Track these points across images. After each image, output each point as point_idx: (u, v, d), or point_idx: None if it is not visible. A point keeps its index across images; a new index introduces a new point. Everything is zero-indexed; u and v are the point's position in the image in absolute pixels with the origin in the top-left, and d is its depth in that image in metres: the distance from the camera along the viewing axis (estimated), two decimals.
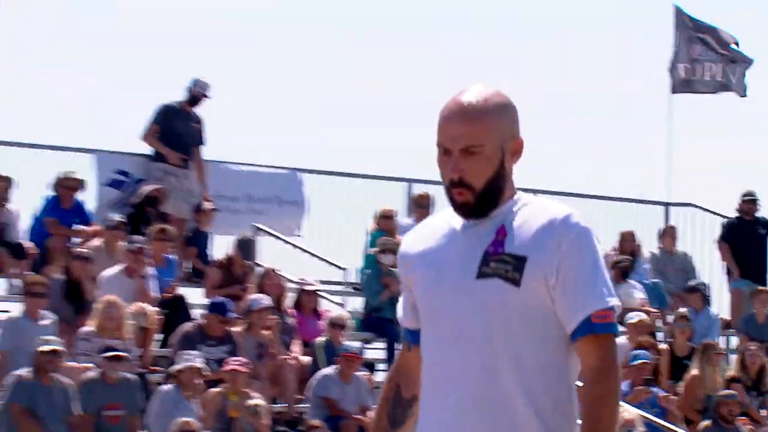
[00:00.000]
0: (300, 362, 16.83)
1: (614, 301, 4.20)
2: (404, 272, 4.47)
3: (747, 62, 22.57)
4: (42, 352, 14.17)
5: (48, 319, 15.42)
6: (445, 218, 4.40)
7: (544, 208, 4.28)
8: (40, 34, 48.19)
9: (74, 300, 16.26)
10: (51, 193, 18.04)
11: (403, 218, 19.92)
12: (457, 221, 4.32)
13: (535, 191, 21.19)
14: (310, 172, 20.48)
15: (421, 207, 20.03)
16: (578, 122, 44.90)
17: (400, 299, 4.58)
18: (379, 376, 17.85)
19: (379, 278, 18.43)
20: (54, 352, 14.09)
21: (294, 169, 20.46)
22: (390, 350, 18.38)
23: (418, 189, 20.59)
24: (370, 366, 17.76)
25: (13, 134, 19.13)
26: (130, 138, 19.36)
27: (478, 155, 4.24)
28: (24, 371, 14.26)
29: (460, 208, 4.27)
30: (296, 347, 17.08)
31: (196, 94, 19.29)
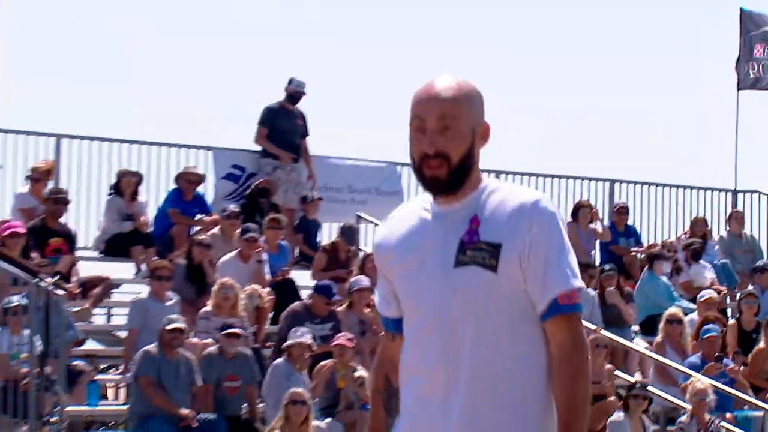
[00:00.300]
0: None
1: (578, 283, 4.19)
2: (383, 263, 4.36)
3: None
4: (167, 329, 14.28)
5: (172, 299, 15.61)
6: (414, 209, 4.30)
7: (512, 193, 4.18)
8: (167, 44, 48.38)
9: (195, 282, 16.43)
10: (174, 186, 18.28)
11: None
12: (427, 211, 4.23)
13: (622, 181, 21.39)
14: (406, 165, 20.50)
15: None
16: (656, 120, 44.48)
17: (377, 290, 4.49)
18: None
19: None
20: (178, 329, 14.19)
21: (392, 162, 20.51)
22: None
23: (504, 179, 20.53)
24: None
25: (143, 134, 19.31)
26: (244, 135, 19.54)
27: (453, 130, 4.13)
28: (151, 347, 14.38)
29: (431, 182, 4.15)
30: None
31: (293, 92, 19.42)
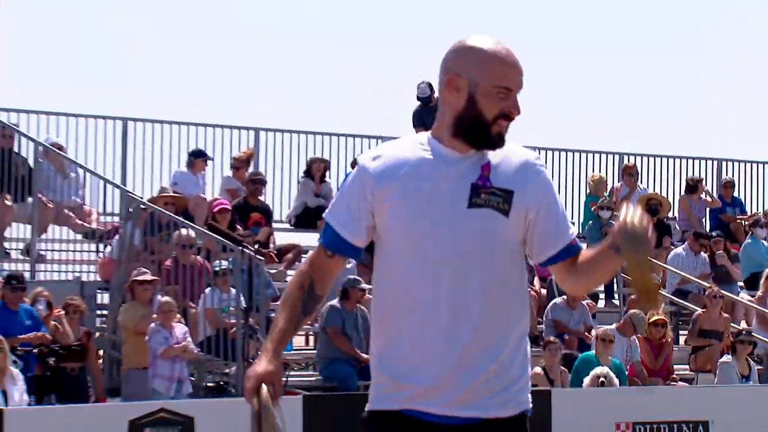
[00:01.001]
0: (539, 294, 16.78)
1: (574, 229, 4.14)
2: (379, 196, 3.89)
3: None
4: (348, 286, 14.37)
5: (351, 263, 15.58)
6: (413, 150, 3.97)
7: (513, 149, 3.99)
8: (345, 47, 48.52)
9: (371, 249, 16.38)
10: (349, 169, 18.32)
11: (613, 182, 19.75)
12: (430, 153, 3.94)
13: (728, 160, 21.06)
14: (544, 148, 20.36)
15: (629, 175, 19.85)
16: (756, 116, 44.04)
17: (342, 213, 3.98)
18: (601, 303, 17.73)
19: (599, 228, 18.28)
20: (358, 285, 14.34)
21: (533, 147, 20.34)
22: (608, 284, 18.26)
23: (626, 160, 20.32)
24: (593, 296, 17.60)
25: (329, 126, 19.44)
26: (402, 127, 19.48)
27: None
28: (334, 301, 14.42)
29: (496, 138, 3.91)
30: (536, 283, 17.04)
31: (419, 97, 19.26)
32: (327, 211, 4.05)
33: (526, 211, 3.93)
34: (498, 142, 3.91)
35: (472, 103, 3.87)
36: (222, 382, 14.39)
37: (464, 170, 3.90)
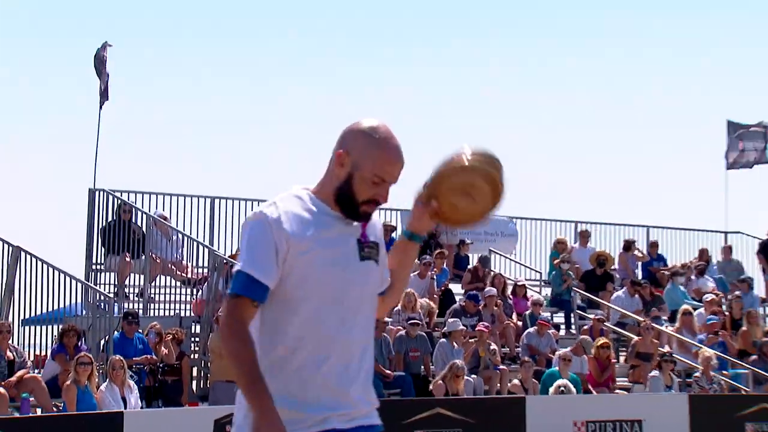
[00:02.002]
0: (516, 325, 16.75)
1: None
2: (294, 249, 3.39)
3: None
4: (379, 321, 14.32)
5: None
6: (310, 210, 3.48)
7: None
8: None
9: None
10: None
11: (571, 244, 19.72)
12: (324, 214, 3.48)
13: (655, 227, 21.02)
14: (520, 218, 20.34)
15: (583, 237, 19.84)
16: (677, 189, 43.73)
17: (263, 263, 3.39)
18: (562, 332, 17.70)
19: (560, 277, 18.28)
20: (381, 321, 14.25)
21: (510, 216, 20.30)
22: (567, 317, 18.23)
23: (581, 227, 20.30)
24: (556, 326, 17.57)
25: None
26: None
27: None
28: None
29: (363, 216, 3.52)
30: (514, 317, 17.01)
31: None
32: (243, 264, 3.39)
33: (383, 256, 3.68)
34: (364, 219, 3.55)
35: (349, 182, 3.46)
36: None
37: (353, 228, 3.54)
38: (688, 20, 47.49)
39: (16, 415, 11.74)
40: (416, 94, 48.39)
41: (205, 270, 15.59)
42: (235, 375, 3.40)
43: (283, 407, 3.40)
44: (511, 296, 17.32)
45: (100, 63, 16.47)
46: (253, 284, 3.37)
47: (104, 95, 16.56)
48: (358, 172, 3.44)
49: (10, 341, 12.65)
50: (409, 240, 3.80)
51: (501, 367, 14.94)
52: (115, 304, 14.52)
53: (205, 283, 15.13)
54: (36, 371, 12.96)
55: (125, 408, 11.90)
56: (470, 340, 14.93)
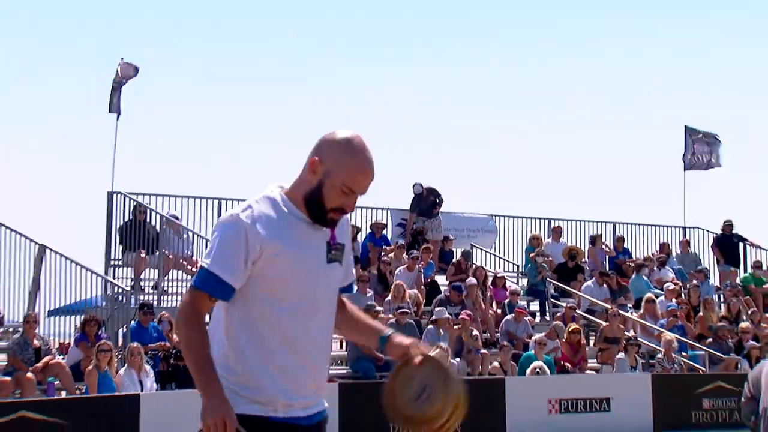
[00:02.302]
0: (495, 313, 16.78)
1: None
2: (266, 251, 3.26)
3: (718, 143, 22.08)
4: (368, 309, 14.30)
5: (370, 293, 15.56)
6: (282, 214, 3.33)
7: None
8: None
9: (383, 283, 16.41)
10: (370, 231, 18.29)
11: (545, 239, 19.76)
12: (296, 217, 3.34)
13: (621, 223, 21.04)
14: (498, 215, 20.37)
15: (556, 233, 19.88)
16: (640, 187, 43.72)
17: (231, 263, 3.25)
18: (537, 319, 17.74)
19: (536, 269, 18.33)
20: (374, 310, 14.28)
21: (490, 214, 20.33)
22: (542, 305, 18.27)
23: (554, 223, 20.32)
24: (532, 314, 17.61)
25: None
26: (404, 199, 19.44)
27: None
28: None
29: (330, 222, 3.38)
30: (493, 305, 17.05)
31: (416, 193, 18.73)
32: (210, 262, 3.26)
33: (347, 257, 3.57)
34: (330, 226, 3.41)
35: (320, 189, 3.31)
36: None
37: (322, 231, 3.41)
38: (653, 29, 47.66)
39: (44, 397, 11.75)
40: (415, 93, 48.06)
41: None
42: (186, 361, 3.34)
43: (249, 396, 3.34)
44: (491, 287, 17.34)
45: (118, 83, 16.53)
46: (215, 282, 3.26)
47: (117, 110, 16.62)
48: (329, 180, 3.30)
49: (36, 330, 12.65)
50: (377, 345, 3.66)
51: (482, 351, 14.96)
52: (132, 296, 14.54)
53: None
54: (61, 357, 12.95)
55: (142, 390, 11.91)
56: (454, 327, 14.93)
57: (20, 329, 12.74)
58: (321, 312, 3.45)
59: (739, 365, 16.44)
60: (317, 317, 3.43)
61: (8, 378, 11.88)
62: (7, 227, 14.48)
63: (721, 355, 16.63)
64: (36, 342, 12.45)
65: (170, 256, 15.44)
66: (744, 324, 17.60)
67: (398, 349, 3.57)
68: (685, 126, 22.27)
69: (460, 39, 48.95)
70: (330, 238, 3.43)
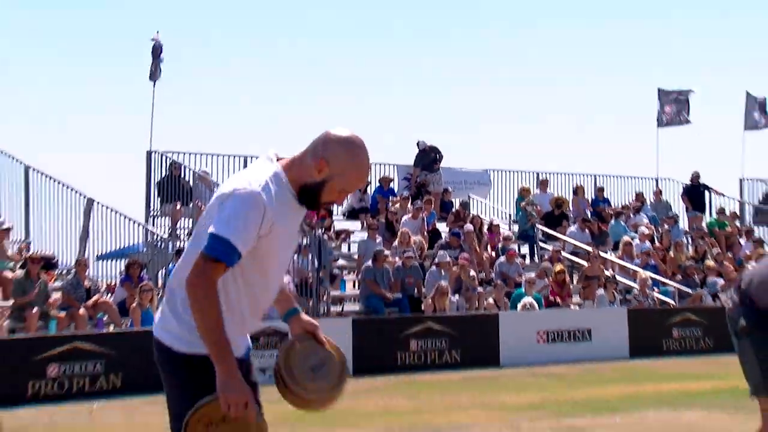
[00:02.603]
0: (490, 255, 16.85)
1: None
2: (267, 223, 3.09)
3: (688, 101, 21.96)
4: (378, 253, 14.33)
5: (379, 239, 15.64)
6: (286, 194, 3.16)
7: None
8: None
9: (390, 230, 16.45)
10: (378, 184, 18.31)
11: (534, 191, 19.78)
12: (293, 202, 3.18)
13: (602, 175, 21.04)
14: (493, 170, 20.37)
15: (543, 185, 19.83)
16: (619, 147, 43.70)
17: (246, 233, 3.05)
18: (527, 261, 17.82)
19: (525, 217, 18.40)
20: (383, 253, 14.33)
21: (485, 169, 20.33)
22: (531, 249, 18.33)
23: (541, 176, 20.32)
24: (522, 256, 17.68)
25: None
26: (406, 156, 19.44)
27: None
28: (369, 263, 14.32)
29: (321, 208, 3.33)
30: (488, 249, 17.11)
31: (421, 148, 18.72)
32: (231, 235, 3.02)
33: None
34: (318, 211, 3.34)
35: (320, 186, 3.16)
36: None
37: (302, 209, 3.26)
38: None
39: (94, 330, 11.93)
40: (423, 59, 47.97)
41: None
42: (199, 331, 3.04)
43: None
44: (486, 232, 17.42)
45: (155, 50, 16.51)
46: (233, 253, 3.02)
47: (156, 76, 16.60)
48: (331, 183, 3.16)
49: (87, 273, 12.83)
50: (283, 315, 3.51)
51: (479, 289, 15.06)
52: (169, 242, 14.66)
53: None
54: (108, 296, 13.11)
55: None
56: (454, 268, 15.03)
57: (73, 271, 12.91)
58: (281, 273, 3.37)
59: (704, 299, 16.59)
60: (277, 278, 3.34)
61: (63, 313, 12.06)
62: (59, 182, 14.62)
63: (689, 290, 16.76)
64: (86, 283, 12.62)
65: (202, 208, 15.50)
66: (709, 263, 17.74)
67: (303, 325, 3.43)
68: (658, 89, 22.22)
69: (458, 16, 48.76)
70: (308, 215, 3.37)
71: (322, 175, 3.15)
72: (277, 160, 3.23)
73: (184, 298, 3.09)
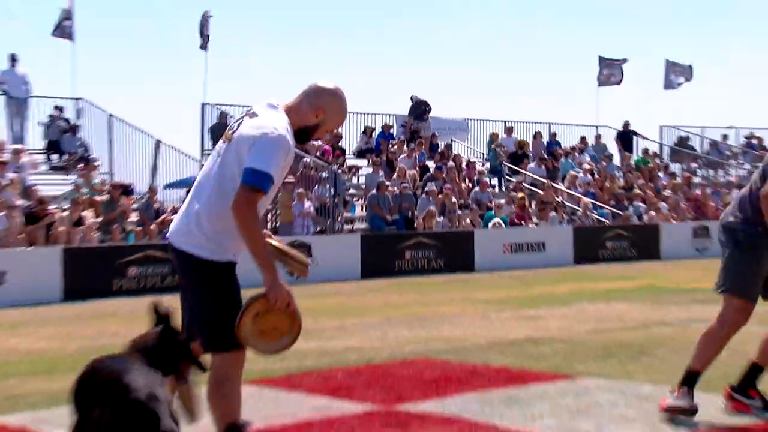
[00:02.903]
0: (468, 186, 16.73)
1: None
2: (288, 160, 2.96)
3: (621, 67, 21.58)
4: (380, 184, 14.15)
5: (381, 173, 15.37)
6: (292, 136, 2.97)
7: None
8: None
9: (390, 167, 16.13)
10: (380, 130, 18.00)
11: (502, 135, 19.55)
12: (292, 139, 2.97)
13: (554, 123, 20.79)
14: (470, 119, 20.17)
15: (509, 131, 19.57)
16: (569, 100, 43.20)
17: (277, 167, 2.89)
18: (496, 190, 17.70)
19: (495, 156, 18.29)
20: (385, 184, 14.10)
21: (465, 118, 20.12)
22: (500, 181, 18.01)
23: (508, 124, 20.01)
24: (493, 186, 17.54)
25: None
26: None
27: None
28: (374, 191, 14.05)
29: (309, 139, 3.16)
30: (466, 180, 17.00)
31: (415, 100, 18.14)
32: (270, 168, 2.86)
33: None
34: (306, 142, 3.24)
35: (314, 128, 3.04)
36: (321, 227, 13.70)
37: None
38: None
39: (162, 241, 11.98)
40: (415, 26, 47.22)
41: None
42: (250, 249, 2.86)
43: (225, 246, 2.95)
44: (465, 168, 17.36)
45: (202, 26, 16.31)
46: (269, 183, 2.86)
47: (205, 47, 16.45)
48: (323, 126, 3.06)
49: (156, 197, 12.88)
50: None
51: (458, 212, 15.06)
52: None
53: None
54: (172, 215, 13.11)
55: None
56: (439, 196, 14.98)
57: (146, 196, 12.94)
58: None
59: (630, 219, 16.67)
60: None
61: (139, 228, 12.15)
62: (134, 127, 14.59)
63: (620, 212, 16.78)
64: (156, 205, 12.68)
65: None
66: (636, 191, 17.73)
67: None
68: (599, 56, 21.90)
69: None
70: (326, 153, 3.27)
71: (316, 120, 3.03)
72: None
73: (209, 215, 2.92)
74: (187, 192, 3.48)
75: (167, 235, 3.10)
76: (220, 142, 3.05)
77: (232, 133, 2.99)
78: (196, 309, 2.95)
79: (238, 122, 3.03)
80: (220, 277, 2.96)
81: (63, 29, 15.32)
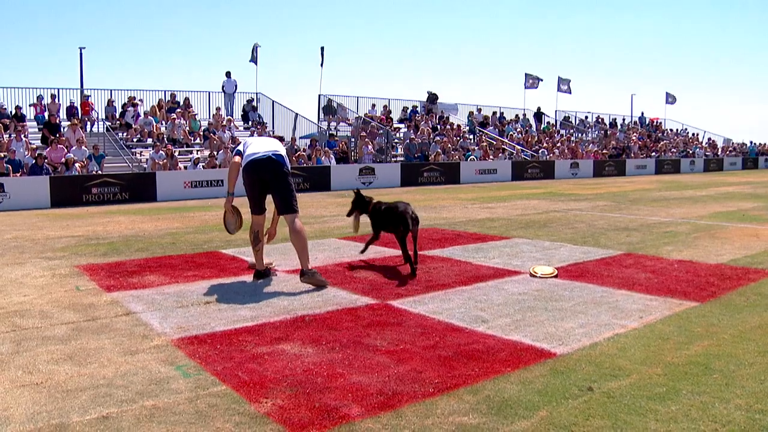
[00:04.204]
0: (457, 140, 15.12)
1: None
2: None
3: (539, 79, 19.08)
4: (407, 147, 12.88)
5: (411, 131, 14.10)
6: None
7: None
8: None
9: (416, 128, 14.82)
10: (411, 108, 16.24)
11: (476, 113, 17.30)
12: None
13: (508, 108, 18.50)
14: (460, 104, 17.76)
15: (479, 111, 17.68)
16: (514, 95, 38.88)
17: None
18: (475, 146, 15.81)
19: (472, 123, 16.43)
20: (413, 137, 12.84)
21: (455, 102, 17.92)
22: (475, 136, 15.97)
23: (479, 108, 17.76)
24: (470, 139, 15.65)
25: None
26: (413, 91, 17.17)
27: None
28: (407, 141, 12.94)
29: None
30: (455, 137, 15.36)
31: (430, 94, 16.47)
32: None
33: None
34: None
35: None
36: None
37: None
38: None
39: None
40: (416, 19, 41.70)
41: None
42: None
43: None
44: (456, 129, 15.77)
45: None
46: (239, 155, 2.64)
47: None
48: None
49: (296, 144, 11.80)
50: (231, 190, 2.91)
51: (452, 152, 13.76)
52: (326, 133, 13.38)
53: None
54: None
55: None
56: (442, 145, 13.68)
57: (289, 143, 11.75)
58: None
59: (540, 158, 14.88)
60: None
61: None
62: (282, 105, 13.43)
63: (536, 154, 14.95)
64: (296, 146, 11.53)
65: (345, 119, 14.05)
66: (543, 144, 15.86)
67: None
68: (525, 73, 19.45)
69: None
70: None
71: None
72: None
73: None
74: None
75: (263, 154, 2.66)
76: None
77: None
78: (289, 197, 2.74)
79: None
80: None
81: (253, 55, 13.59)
